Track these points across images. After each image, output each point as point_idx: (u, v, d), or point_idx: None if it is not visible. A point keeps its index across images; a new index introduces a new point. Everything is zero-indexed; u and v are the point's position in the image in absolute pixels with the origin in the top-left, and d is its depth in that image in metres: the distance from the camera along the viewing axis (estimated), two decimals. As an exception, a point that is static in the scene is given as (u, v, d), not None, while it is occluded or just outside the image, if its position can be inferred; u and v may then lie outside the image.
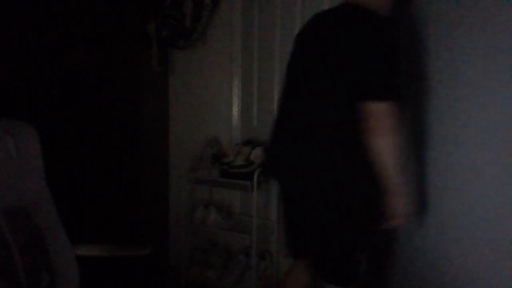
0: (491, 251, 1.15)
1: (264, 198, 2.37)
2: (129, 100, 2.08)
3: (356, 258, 1.39)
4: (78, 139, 2.05)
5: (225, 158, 2.24)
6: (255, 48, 2.38)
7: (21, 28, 1.84)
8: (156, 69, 2.27)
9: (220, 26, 2.47)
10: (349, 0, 1.39)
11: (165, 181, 2.65)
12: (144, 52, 2.18)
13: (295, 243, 1.57)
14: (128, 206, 2.10)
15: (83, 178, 2.06)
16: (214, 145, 2.42)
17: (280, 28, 2.31)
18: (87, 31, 2.01)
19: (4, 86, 1.76)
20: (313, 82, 1.37)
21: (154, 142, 2.41)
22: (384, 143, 1.24)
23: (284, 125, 1.48)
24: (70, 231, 1.38)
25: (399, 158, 1.26)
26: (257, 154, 2.20)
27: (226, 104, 2.53)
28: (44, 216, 1.31)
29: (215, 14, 2.42)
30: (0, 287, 1.10)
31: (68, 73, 2.02)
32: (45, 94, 1.98)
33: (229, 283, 2.24)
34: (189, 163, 2.54)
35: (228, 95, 2.51)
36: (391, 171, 1.26)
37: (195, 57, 2.54)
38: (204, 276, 2.29)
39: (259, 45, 2.37)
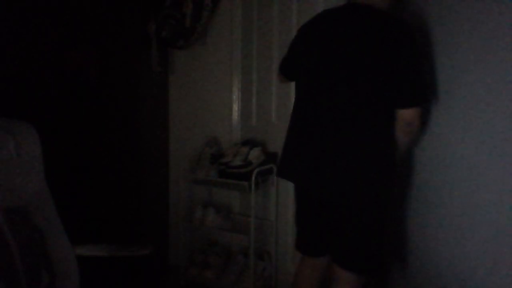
0: (491, 251, 1.15)
1: (263, 199, 2.37)
2: (129, 100, 2.08)
3: (384, 251, 1.50)
4: (78, 139, 2.05)
5: (224, 158, 2.24)
6: (255, 49, 2.38)
7: (21, 28, 1.84)
8: (156, 69, 2.27)
9: (220, 26, 2.48)
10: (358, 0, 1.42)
11: (165, 181, 2.65)
12: (144, 52, 2.18)
13: (319, 242, 1.61)
14: (128, 206, 2.10)
15: (83, 178, 2.06)
16: (213, 145, 2.42)
17: (279, 28, 2.31)
18: (87, 31, 2.01)
19: (4, 86, 1.76)
20: (348, 87, 1.36)
21: (154, 142, 2.42)
22: (412, 140, 1.44)
23: (311, 129, 1.45)
24: (70, 231, 1.38)
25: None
26: (255, 154, 2.20)
27: (226, 104, 2.53)
28: (44, 216, 1.31)
29: (215, 14, 2.43)
30: (0, 287, 1.10)
31: (68, 73, 2.02)
32: (45, 94, 1.98)
33: (228, 284, 2.24)
34: (189, 163, 2.55)
35: (228, 95, 2.51)
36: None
37: (195, 57, 2.54)
38: (203, 276, 2.29)
39: (258, 46, 2.37)
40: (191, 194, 2.59)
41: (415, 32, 1.34)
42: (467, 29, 1.30)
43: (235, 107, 2.51)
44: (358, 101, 1.35)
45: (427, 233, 1.60)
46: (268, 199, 2.36)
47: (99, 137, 2.06)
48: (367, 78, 1.33)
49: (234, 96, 2.50)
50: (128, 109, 2.08)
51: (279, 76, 1.77)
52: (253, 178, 2.06)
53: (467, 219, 1.28)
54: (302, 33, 1.56)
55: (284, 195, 2.35)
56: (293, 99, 1.60)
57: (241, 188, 2.13)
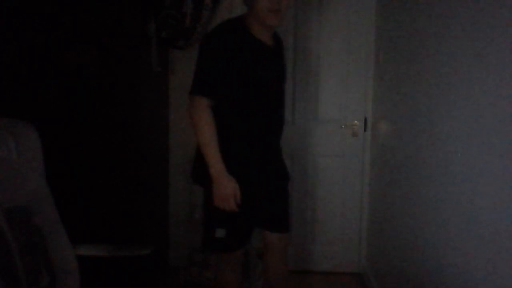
0: (491, 251, 1.15)
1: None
2: (129, 100, 2.08)
3: (217, 232, 1.65)
4: (78, 139, 2.04)
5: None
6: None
7: (21, 28, 1.84)
8: (156, 69, 2.27)
9: (220, 26, 2.47)
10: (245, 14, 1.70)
11: (165, 181, 2.65)
12: (144, 52, 2.18)
13: None
14: (128, 206, 2.10)
15: (83, 178, 2.06)
16: None
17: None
18: (87, 31, 2.01)
19: (4, 86, 1.76)
20: None
21: (154, 142, 2.41)
22: (195, 126, 1.58)
23: None
24: (70, 231, 1.38)
25: (211, 144, 1.54)
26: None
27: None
28: (44, 216, 1.31)
29: (215, 14, 2.42)
30: (0, 287, 1.10)
31: (68, 73, 2.02)
32: (45, 94, 1.98)
33: (228, 283, 2.23)
34: (189, 163, 2.54)
35: (228, 95, 2.50)
36: (205, 153, 1.56)
37: (195, 57, 2.54)
38: (203, 276, 2.29)
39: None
40: (191, 194, 2.58)
41: (214, 38, 1.62)
42: (467, 27, 1.30)
43: (235, 107, 2.50)
44: None
45: (426, 233, 1.60)
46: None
47: (99, 137, 2.05)
48: None
49: (234, 96, 2.49)
50: (128, 109, 2.08)
51: None
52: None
53: (467, 219, 1.28)
54: None
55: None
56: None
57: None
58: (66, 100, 2.03)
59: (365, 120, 2.59)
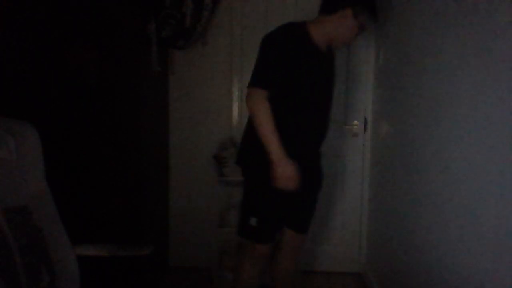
0: (492, 251, 1.15)
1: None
2: (129, 100, 2.08)
3: (251, 220, 1.72)
4: (78, 139, 2.04)
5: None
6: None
7: (21, 28, 1.84)
8: (156, 69, 2.27)
9: (220, 26, 2.47)
10: (315, 19, 1.76)
11: (165, 181, 2.65)
12: (144, 52, 2.18)
13: None
14: (128, 206, 2.10)
15: (84, 178, 2.06)
16: (228, 146, 2.42)
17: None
18: (87, 31, 2.01)
19: (4, 86, 1.76)
20: None
21: (154, 142, 2.41)
22: (253, 115, 1.63)
23: None
24: (70, 231, 1.38)
25: (270, 130, 1.58)
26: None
27: (225, 104, 2.53)
28: (44, 216, 1.31)
29: (215, 14, 2.43)
30: (0, 287, 1.10)
31: (68, 73, 2.02)
32: (45, 94, 1.98)
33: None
34: (191, 163, 2.55)
35: (228, 95, 2.51)
36: (265, 139, 1.60)
37: (195, 57, 2.54)
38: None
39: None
40: (219, 196, 2.58)
41: (275, 38, 1.65)
42: (468, 27, 1.30)
43: (235, 107, 2.51)
44: None
45: (427, 233, 1.60)
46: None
47: (99, 137, 2.06)
48: None
49: (233, 96, 2.50)
50: (128, 109, 2.08)
51: None
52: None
53: (467, 218, 1.28)
54: None
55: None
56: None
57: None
58: (66, 100, 2.03)
59: (365, 120, 2.59)
